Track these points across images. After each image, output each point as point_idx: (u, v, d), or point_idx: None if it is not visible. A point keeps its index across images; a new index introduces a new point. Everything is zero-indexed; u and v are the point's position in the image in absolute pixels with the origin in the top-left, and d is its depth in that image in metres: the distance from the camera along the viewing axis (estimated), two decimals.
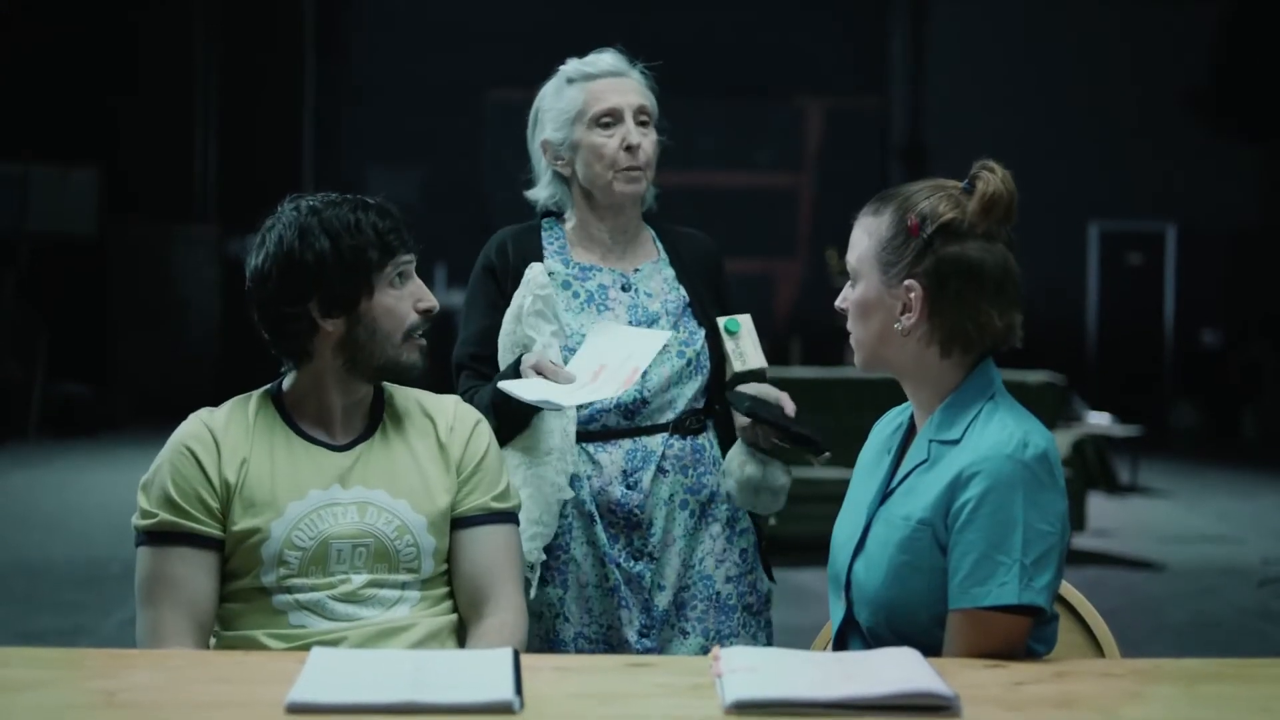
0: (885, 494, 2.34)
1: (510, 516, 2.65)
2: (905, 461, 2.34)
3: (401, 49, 16.72)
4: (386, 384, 2.67)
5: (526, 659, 2.09)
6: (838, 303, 2.38)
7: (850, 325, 2.35)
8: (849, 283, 2.36)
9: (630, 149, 3.03)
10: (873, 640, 2.28)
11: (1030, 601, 2.17)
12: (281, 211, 2.55)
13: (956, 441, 2.26)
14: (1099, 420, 10.50)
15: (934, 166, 16.45)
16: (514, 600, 2.59)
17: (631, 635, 2.98)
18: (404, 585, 2.52)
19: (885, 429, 2.46)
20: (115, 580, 7.41)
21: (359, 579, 2.49)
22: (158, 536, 2.47)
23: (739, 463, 2.99)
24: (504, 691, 1.90)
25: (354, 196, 2.58)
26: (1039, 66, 16.54)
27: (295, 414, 2.58)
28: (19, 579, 7.57)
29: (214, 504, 2.48)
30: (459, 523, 2.60)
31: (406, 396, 2.68)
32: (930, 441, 2.30)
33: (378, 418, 2.62)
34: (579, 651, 2.97)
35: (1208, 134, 16.43)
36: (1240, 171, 16.57)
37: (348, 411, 2.58)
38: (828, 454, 2.90)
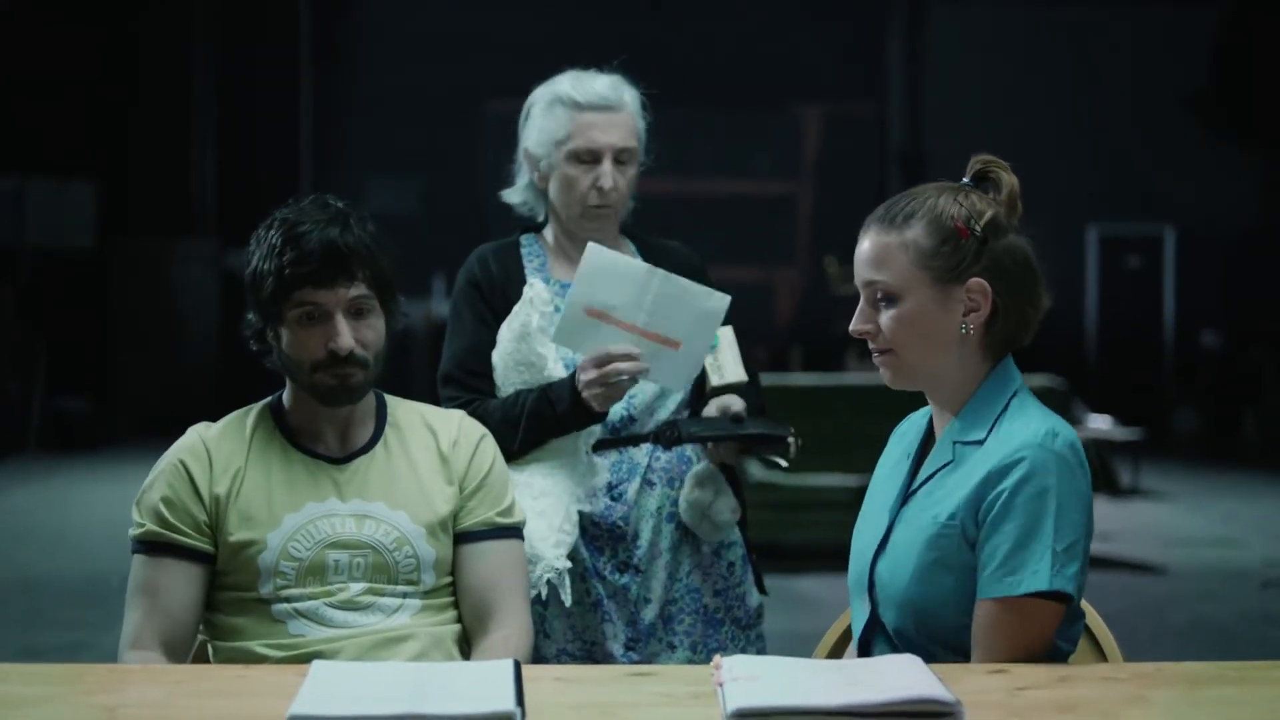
0: (906, 496, 2.33)
1: (515, 531, 2.65)
2: (927, 464, 2.33)
3: (399, 60, 16.73)
4: (388, 396, 2.66)
5: (528, 670, 2.09)
6: (859, 327, 2.30)
7: (893, 345, 2.28)
8: (870, 305, 2.29)
9: (600, 190, 3.02)
10: (899, 642, 2.27)
11: (1061, 588, 2.17)
12: (278, 210, 2.57)
13: (982, 441, 2.26)
14: (1100, 423, 10.48)
15: (933, 172, 16.41)
16: (519, 614, 2.59)
17: (616, 649, 2.97)
18: (404, 595, 2.52)
19: (904, 436, 2.45)
20: (116, 595, 7.34)
21: (357, 587, 2.49)
22: (146, 545, 2.51)
23: (693, 483, 3.00)
24: (505, 702, 1.89)
25: (322, 215, 2.51)
26: (1037, 71, 16.55)
27: (293, 427, 2.58)
28: (19, 595, 7.56)
29: (203, 519, 2.50)
30: (464, 537, 2.59)
31: (410, 410, 2.67)
32: (955, 443, 2.29)
33: (379, 430, 2.61)
34: None
35: (1206, 137, 16.43)
36: (1239, 174, 16.57)
37: (344, 424, 2.58)
38: (792, 441, 2.90)
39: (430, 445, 2.62)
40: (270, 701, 1.97)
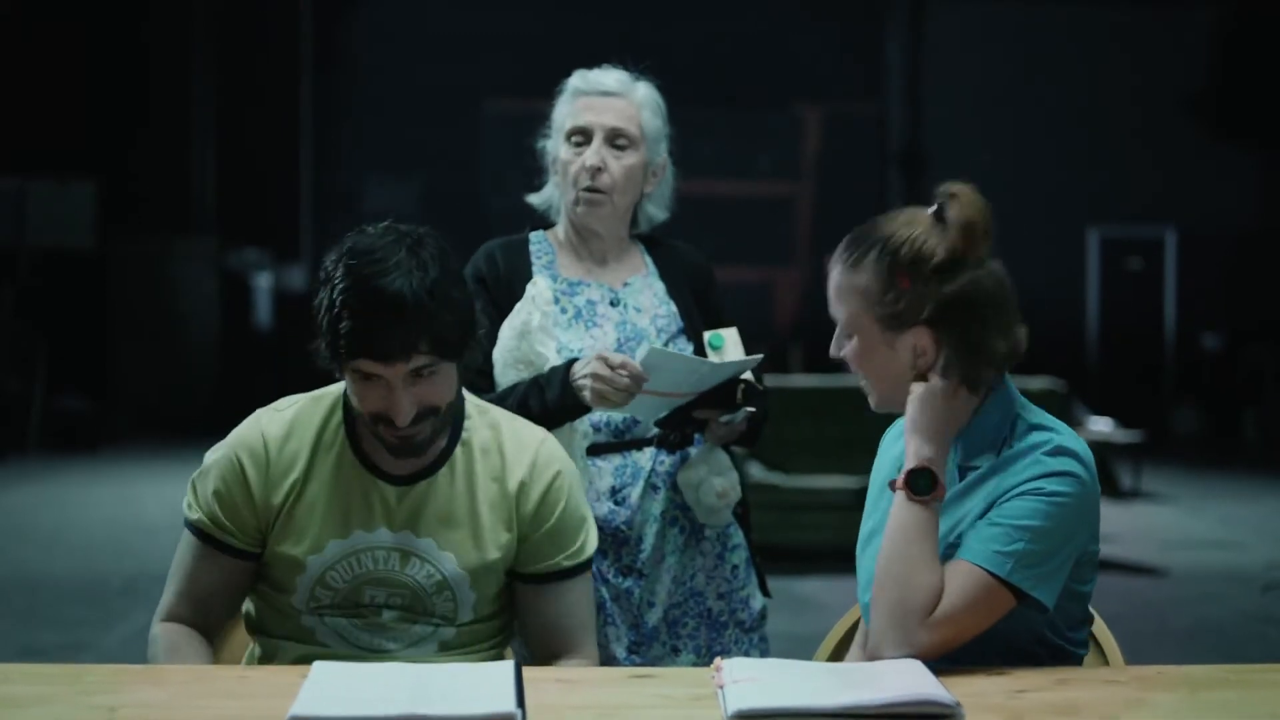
0: None
1: (584, 567, 2.53)
2: None
3: (399, 60, 16.73)
4: (470, 401, 2.53)
5: (528, 671, 2.09)
6: (834, 352, 2.33)
7: (860, 373, 2.31)
8: (840, 332, 2.31)
9: (590, 170, 2.99)
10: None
11: (1019, 583, 2.15)
12: (349, 237, 2.39)
13: (990, 467, 2.24)
14: (1100, 426, 10.49)
15: (932, 172, 16.46)
16: (587, 650, 2.52)
17: (620, 652, 2.96)
18: (437, 625, 2.47)
19: (894, 445, 2.43)
20: (116, 595, 7.41)
21: (389, 614, 2.45)
22: (196, 531, 2.48)
23: (691, 462, 2.99)
24: (506, 704, 1.89)
25: (388, 264, 2.30)
26: (1036, 72, 16.55)
27: (361, 433, 2.46)
28: (20, 594, 7.56)
29: (253, 524, 2.45)
30: (528, 578, 2.50)
31: (489, 425, 2.52)
32: (960, 467, 2.28)
33: (450, 449, 2.49)
34: None
35: (1206, 138, 16.44)
36: (1239, 175, 16.58)
37: None
38: (741, 385, 2.88)
39: (498, 476, 2.48)
40: (271, 702, 1.97)
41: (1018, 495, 2.19)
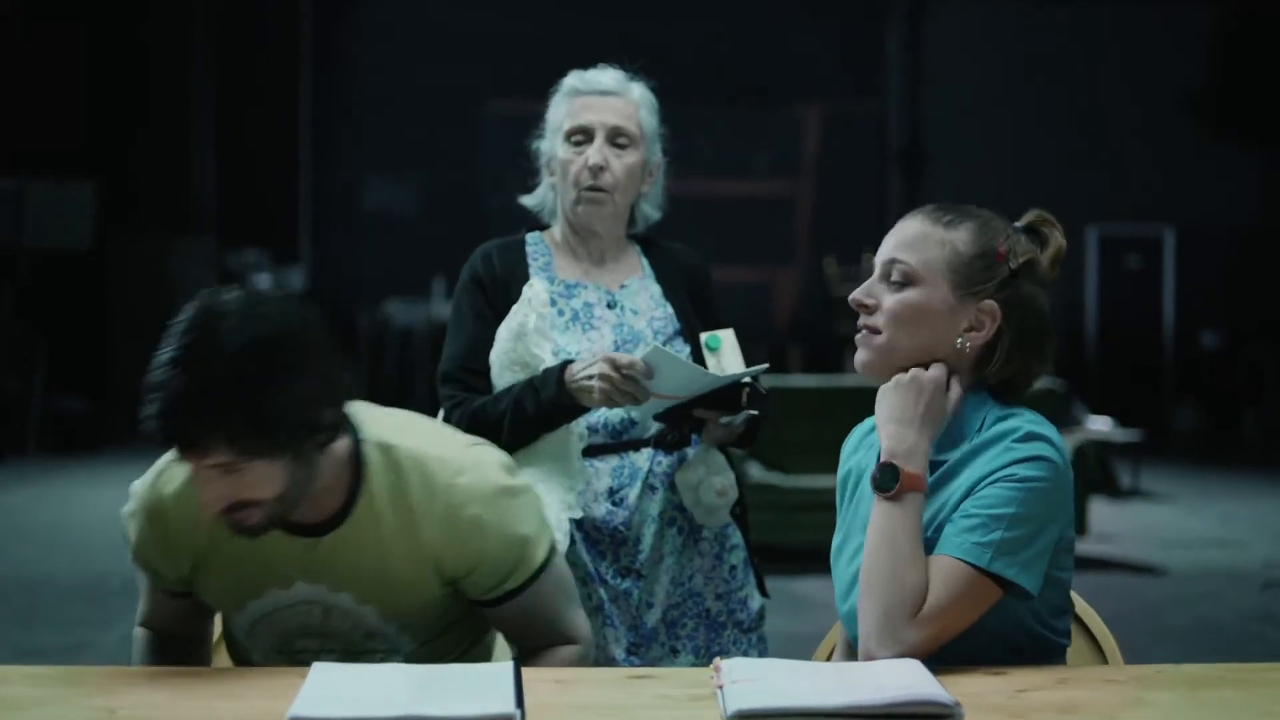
0: None
1: (536, 576, 2.39)
2: None
3: (399, 59, 16.75)
4: (369, 450, 2.32)
5: (527, 672, 2.09)
6: (861, 295, 2.27)
7: (888, 326, 2.26)
8: (881, 280, 2.27)
9: (592, 170, 3.00)
10: None
11: (1000, 572, 2.14)
12: (204, 295, 2.22)
13: (961, 456, 2.24)
14: (1099, 425, 10.49)
15: (932, 171, 16.48)
16: (571, 632, 2.46)
17: (619, 653, 2.95)
18: (385, 655, 2.42)
19: (855, 449, 2.43)
20: (116, 595, 7.40)
21: (329, 657, 2.40)
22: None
23: (689, 462, 3.00)
24: (505, 704, 1.89)
25: (178, 355, 2.13)
26: (1035, 70, 16.56)
27: None
28: (19, 594, 7.56)
29: (175, 575, 2.40)
30: (478, 603, 2.42)
31: (398, 471, 2.31)
32: (931, 461, 2.26)
33: (352, 499, 2.31)
34: None
35: (1205, 136, 16.45)
36: (1238, 173, 16.59)
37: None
38: (745, 386, 2.87)
39: (407, 526, 2.32)
40: (270, 703, 1.97)
41: (991, 484, 2.18)
